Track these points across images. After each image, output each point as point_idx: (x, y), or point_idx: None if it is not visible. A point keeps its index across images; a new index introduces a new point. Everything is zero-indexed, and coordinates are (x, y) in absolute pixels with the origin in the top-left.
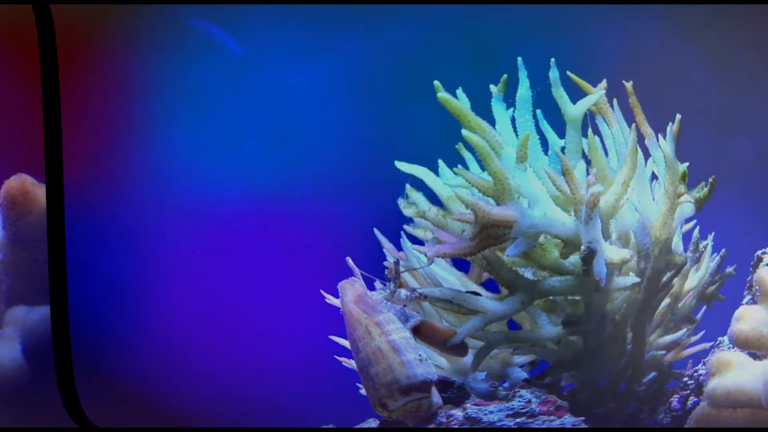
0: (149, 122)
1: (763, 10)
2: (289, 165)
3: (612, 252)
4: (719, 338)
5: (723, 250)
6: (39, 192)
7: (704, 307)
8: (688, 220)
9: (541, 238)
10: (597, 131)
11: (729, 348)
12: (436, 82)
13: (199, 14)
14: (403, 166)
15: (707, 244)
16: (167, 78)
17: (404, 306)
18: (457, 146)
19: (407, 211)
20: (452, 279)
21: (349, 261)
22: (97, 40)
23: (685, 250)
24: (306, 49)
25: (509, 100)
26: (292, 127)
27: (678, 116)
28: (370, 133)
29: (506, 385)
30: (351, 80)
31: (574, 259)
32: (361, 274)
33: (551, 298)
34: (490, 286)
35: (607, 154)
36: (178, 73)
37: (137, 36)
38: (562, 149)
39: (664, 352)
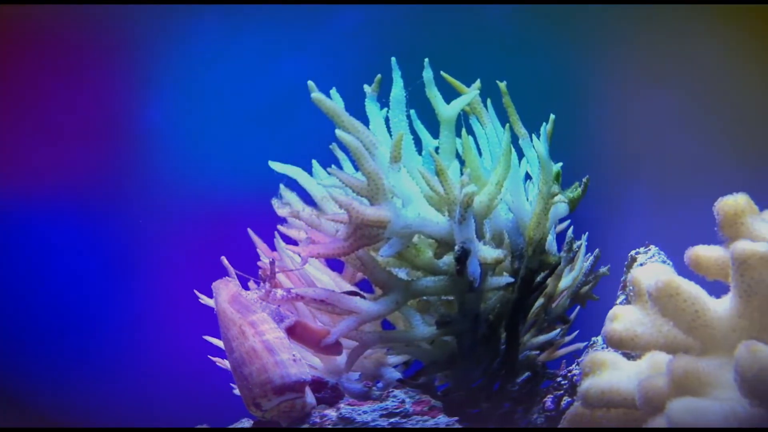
0: None
1: (652, 11)
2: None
3: (486, 252)
4: (593, 338)
5: (597, 250)
6: None
7: (578, 307)
8: (562, 220)
9: (415, 238)
10: (471, 131)
11: (603, 348)
12: (310, 82)
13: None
14: (276, 166)
15: (581, 244)
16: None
17: (279, 306)
18: (330, 146)
19: (281, 212)
20: (326, 279)
21: (224, 260)
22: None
23: (559, 250)
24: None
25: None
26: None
27: (551, 116)
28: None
29: (380, 385)
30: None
31: (448, 259)
32: (236, 274)
33: (425, 298)
34: (364, 286)
35: (481, 154)
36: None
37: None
38: (436, 149)
39: (538, 352)
